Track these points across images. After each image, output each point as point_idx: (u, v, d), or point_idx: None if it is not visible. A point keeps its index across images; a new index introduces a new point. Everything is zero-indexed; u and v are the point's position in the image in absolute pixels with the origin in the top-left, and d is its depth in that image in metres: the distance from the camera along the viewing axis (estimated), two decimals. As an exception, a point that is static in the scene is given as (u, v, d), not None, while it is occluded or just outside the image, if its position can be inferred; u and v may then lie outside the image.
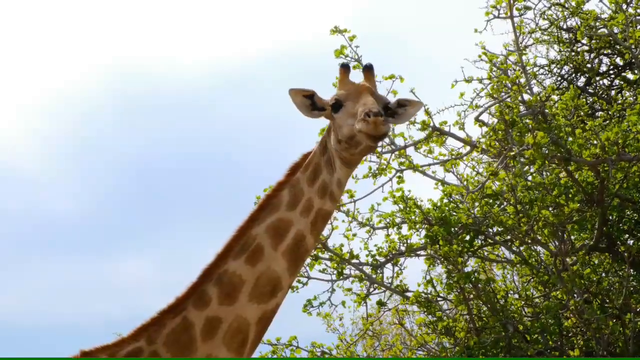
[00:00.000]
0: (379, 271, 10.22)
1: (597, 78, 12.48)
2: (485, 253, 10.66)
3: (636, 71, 11.15)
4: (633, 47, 10.55)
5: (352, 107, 4.64)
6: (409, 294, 10.14)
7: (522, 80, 10.27)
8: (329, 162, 4.75)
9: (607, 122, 10.54)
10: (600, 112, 11.75)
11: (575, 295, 9.37)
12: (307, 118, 4.87)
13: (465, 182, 10.43)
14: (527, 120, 9.58)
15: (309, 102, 4.86)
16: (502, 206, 9.87)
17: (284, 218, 4.69)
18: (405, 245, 10.14)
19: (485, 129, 10.04)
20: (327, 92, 4.94)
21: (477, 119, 10.09)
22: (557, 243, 9.67)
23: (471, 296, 9.76)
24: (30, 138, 25.89)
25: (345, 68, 4.90)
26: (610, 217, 9.97)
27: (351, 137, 4.58)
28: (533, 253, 10.12)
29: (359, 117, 4.50)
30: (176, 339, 4.54)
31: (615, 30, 10.93)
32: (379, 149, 10.27)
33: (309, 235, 4.70)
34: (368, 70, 4.93)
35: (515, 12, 10.26)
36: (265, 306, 4.60)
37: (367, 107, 4.51)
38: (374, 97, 4.69)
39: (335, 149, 4.70)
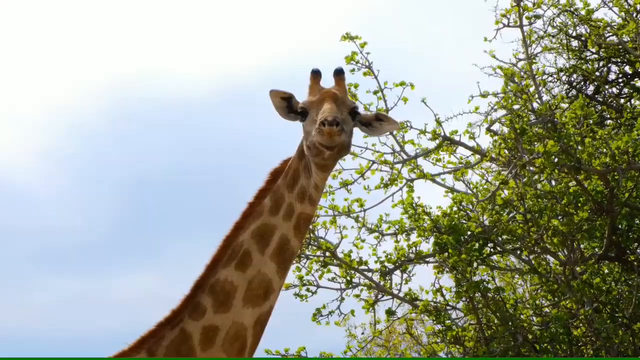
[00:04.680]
0: (387, 278, 10.19)
1: (606, 86, 12.44)
2: (495, 263, 10.61)
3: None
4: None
5: (315, 115, 4.61)
6: (418, 303, 10.11)
7: (532, 89, 10.24)
8: (306, 168, 4.76)
9: (616, 130, 10.51)
10: (609, 121, 11.72)
11: (584, 304, 9.34)
12: (286, 121, 4.86)
13: (475, 190, 10.41)
14: (537, 129, 9.57)
15: (286, 105, 4.86)
16: (512, 215, 9.85)
17: (268, 223, 4.75)
18: (414, 252, 10.13)
19: (495, 138, 10.01)
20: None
21: (488, 130, 10.07)
22: (566, 252, 9.65)
23: (480, 305, 9.74)
24: (31, 155, 25.94)
25: (315, 74, 4.84)
26: (620, 226, 9.95)
27: (313, 146, 4.54)
28: (542, 262, 10.09)
29: (316, 126, 4.48)
30: (176, 350, 4.61)
31: (625, 39, 10.89)
32: (390, 159, 10.28)
33: (294, 238, 4.76)
34: (337, 75, 4.84)
35: (525, 21, 10.23)
36: (260, 309, 4.66)
37: (324, 115, 4.46)
38: (336, 103, 4.64)
39: (307, 154, 4.70)
